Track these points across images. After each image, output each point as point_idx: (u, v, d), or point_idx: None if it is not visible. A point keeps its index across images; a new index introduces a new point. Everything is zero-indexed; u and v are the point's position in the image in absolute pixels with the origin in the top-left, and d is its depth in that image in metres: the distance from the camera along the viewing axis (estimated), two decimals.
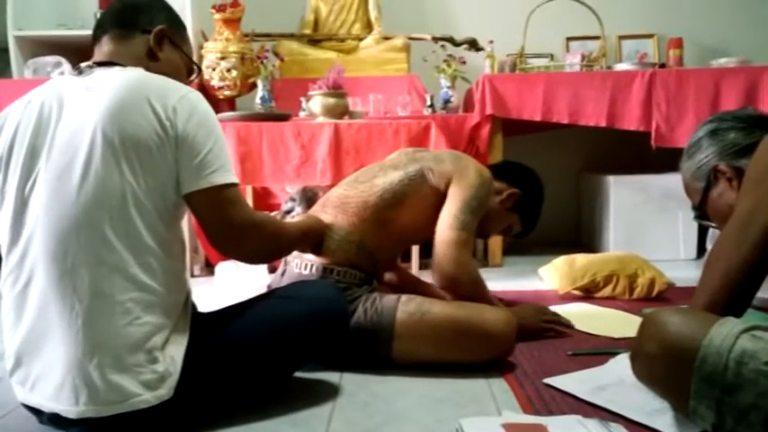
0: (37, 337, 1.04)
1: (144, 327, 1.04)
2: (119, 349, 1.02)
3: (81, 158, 1.03)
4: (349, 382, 1.38)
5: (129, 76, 1.10)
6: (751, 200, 1.01)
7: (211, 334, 1.15)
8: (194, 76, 1.32)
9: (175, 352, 1.08)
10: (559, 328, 1.68)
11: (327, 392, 1.31)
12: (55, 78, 1.18)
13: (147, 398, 1.04)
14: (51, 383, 1.03)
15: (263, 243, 1.20)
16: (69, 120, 1.06)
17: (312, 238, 1.47)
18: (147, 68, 1.16)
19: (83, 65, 1.16)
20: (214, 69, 2.88)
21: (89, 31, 3.16)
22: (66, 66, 2.83)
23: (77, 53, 2.89)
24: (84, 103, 1.07)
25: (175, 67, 1.24)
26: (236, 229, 1.13)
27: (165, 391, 1.05)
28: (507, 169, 1.84)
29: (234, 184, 1.12)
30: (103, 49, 1.19)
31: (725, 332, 0.90)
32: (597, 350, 1.52)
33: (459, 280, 1.49)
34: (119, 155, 1.03)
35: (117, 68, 1.13)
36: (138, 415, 1.03)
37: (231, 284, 1.38)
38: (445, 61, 3.00)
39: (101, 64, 1.16)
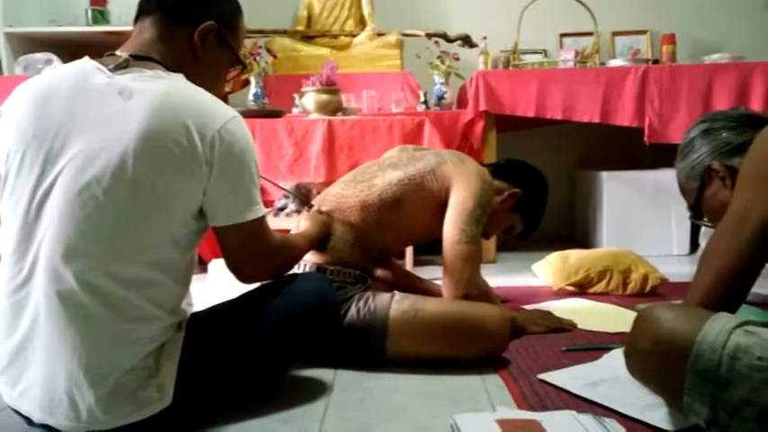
0: (34, 346, 1.01)
1: (142, 350, 1.03)
2: (118, 372, 1.01)
3: (107, 178, 0.99)
4: (343, 379, 1.37)
5: (168, 92, 1.04)
6: (745, 197, 1.02)
7: (204, 333, 1.14)
8: (236, 71, 1.27)
9: (170, 363, 1.07)
10: (567, 326, 1.68)
11: (321, 390, 1.31)
12: (81, 66, 1.08)
13: (147, 411, 1.03)
14: (46, 396, 1.01)
15: (279, 267, 1.27)
16: (98, 128, 1.01)
17: (316, 244, 1.48)
18: (186, 64, 1.12)
19: (118, 54, 1.08)
20: None
21: (80, 28, 3.13)
22: (58, 62, 2.80)
23: (69, 50, 2.88)
24: (117, 113, 1.01)
25: (216, 64, 1.19)
26: (259, 259, 1.18)
27: (164, 400, 1.05)
28: (510, 168, 1.78)
29: (264, 216, 1.14)
30: (143, 35, 1.13)
31: (718, 327, 0.90)
32: (591, 345, 1.52)
33: (471, 296, 1.48)
34: (146, 181, 1.00)
35: (155, 73, 1.06)
36: (140, 423, 1.03)
37: (224, 281, 1.38)
38: (439, 57, 2.99)
39: (137, 58, 1.09)
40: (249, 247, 1.14)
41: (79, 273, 0.98)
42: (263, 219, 1.14)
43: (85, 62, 1.09)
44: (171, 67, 1.11)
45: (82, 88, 1.05)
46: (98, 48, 1.26)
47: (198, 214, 1.08)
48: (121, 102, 1.02)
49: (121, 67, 1.06)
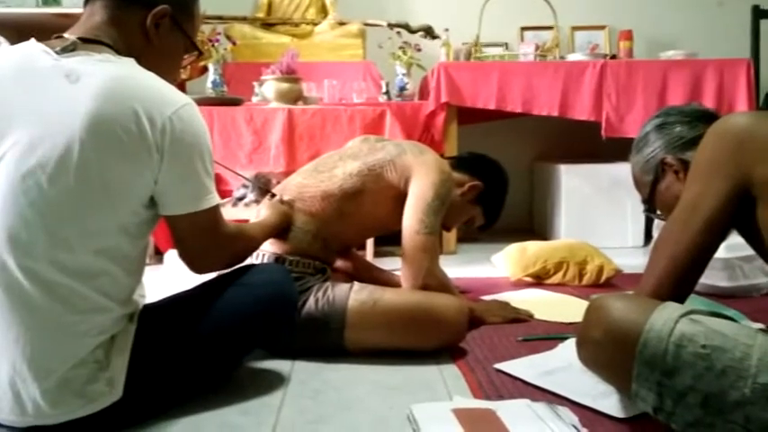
0: None
1: (91, 342, 1.00)
2: (65, 366, 0.98)
3: (51, 164, 0.95)
4: (300, 370, 1.36)
5: (117, 76, 1.00)
6: (696, 188, 1.04)
7: (158, 325, 1.12)
8: (191, 58, 1.23)
9: (121, 355, 1.04)
10: (524, 317, 1.70)
11: (278, 381, 1.30)
12: (25, 49, 1.03)
13: (96, 405, 1.01)
14: None
15: (233, 256, 1.24)
16: (43, 112, 0.97)
17: (275, 234, 1.46)
18: (138, 49, 1.08)
19: (66, 37, 1.03)
20: None
21: (29, 9, 3.00)
22: (6, 44, 2.69)
23: (17, 31, 2.76)
24: (63, 97, 0.97)
25: (170, 50, 1.15)
26: (212, 249, 1.15)
27: (114, 394, 1.02)
28: (471, 161, 1.80)
29: (218, 206, 1.11)
30: (93, 18, 1.08)
31: (665, 316, 0.92)
32: (547, 335, 1.55)
33: (430, 286, 1.49)
34: (93, 168, 0.97)
35: (104, 56, 1.02)
36: (89, 417, 1.00)
37: (180, 272, 1.35)
38: (401, 48, 2.98)
39: (85, 41, 1.04)
40: (202, 238, 1.12)
41: (23, 262, 0.95)
42: (216, 208, 1.11)
43: (31, 44, 1.05)
44: (122, 51, 1.07)
45: (26, 71, 1.00)
46: (48, 30, 1.20)
47: (149, 203, 1.05)
48: (68, 85, 0.98)
49: (69, 49, 1.02)
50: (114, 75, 1.01)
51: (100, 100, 0.97)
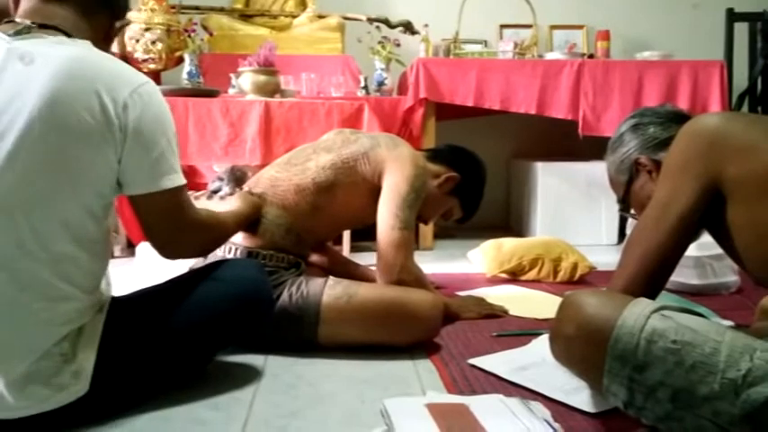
0: None
1: (56, 332, 0.98)
2: (30, 357, 0.96)
3: (7, 146, 0.93)
4: (274, 364, 1.35)
5: (75, 56, 0.99)
6: (668, 188, 1.05)
7: (128, 318, 1.09)
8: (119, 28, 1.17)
9: (88, 348, 1.02)
10: (498, 313, 1.71)
11: (251, 375, 1.29)
12: None
13: (62, 398, 0.99)
14: None
15: (205, 242, 1.21)
16: None
17: (246, 224, 1.44)
18: (85, 32, 1.05)
19: (18, 21, 1.01)
20: (138, 41, 2.75)
21: None
22: None
23: None
24: (17, 79, 0.95)
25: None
26: (181, 231, 1.11)
27: (80, 387, 1.00)
28: (447, 152, 1.78)
29: (183, 186, 1.08)
30: (49, 8, 1.04)
31: (637, 312, 0.93)
32: (521, 331, 1.55)
33: (405, 282, 1.48)
34: (54, 148, 0.94)
35: (59, 39, 1.00)
36: (55, 410, 0.98)
37: (152, 265, 1.33)
38: (380, 43, 2.97)
39: (42, 26, 1.02)
40: (168, 219, 1.08)
41: None
42: (181, 189, 1.08)
43: None
44: (73, 33, 1.04)
45: None
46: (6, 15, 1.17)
47: (116, 185, 1.03)
48: (22, 67, 0.97)
49: (22, 32, 1.00)
50: (72, 55, 0.99)
51: (58, 80, 0.96)
